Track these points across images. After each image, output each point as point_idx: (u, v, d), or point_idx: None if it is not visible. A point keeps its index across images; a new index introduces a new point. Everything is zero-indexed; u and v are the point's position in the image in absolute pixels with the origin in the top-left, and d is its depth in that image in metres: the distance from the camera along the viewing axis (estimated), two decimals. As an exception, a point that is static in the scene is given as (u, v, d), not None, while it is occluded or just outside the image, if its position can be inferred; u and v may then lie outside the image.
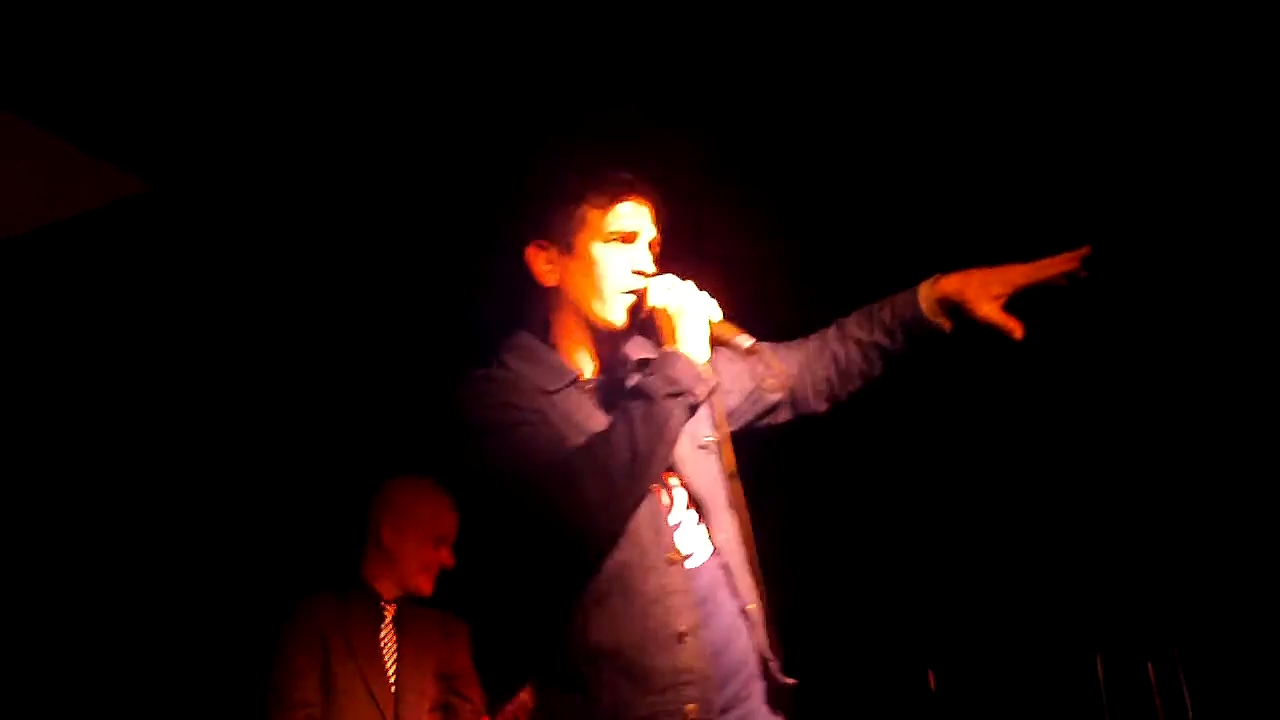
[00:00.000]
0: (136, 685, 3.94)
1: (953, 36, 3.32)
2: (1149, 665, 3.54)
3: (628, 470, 1.98)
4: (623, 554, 2.04)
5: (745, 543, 2.19)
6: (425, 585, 3.39)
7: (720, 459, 2.24)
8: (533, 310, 2.25)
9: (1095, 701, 3.60)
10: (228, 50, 3.19)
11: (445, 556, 3.40)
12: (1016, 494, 3.78)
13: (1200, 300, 3.51)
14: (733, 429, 2.27)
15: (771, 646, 2.13)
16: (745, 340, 2.13)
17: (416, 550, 3.37)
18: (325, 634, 3.24)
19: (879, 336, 2.35)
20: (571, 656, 2.04)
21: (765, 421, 2.37)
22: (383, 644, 3.35)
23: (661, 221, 2.25)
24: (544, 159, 2.50)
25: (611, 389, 2.18)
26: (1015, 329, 2.28)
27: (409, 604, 3.41)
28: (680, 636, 2.01)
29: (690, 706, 1.99)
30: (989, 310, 2.29)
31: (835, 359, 2.36)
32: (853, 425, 2.56)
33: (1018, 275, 2.30)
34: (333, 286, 3.97)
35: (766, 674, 2.11)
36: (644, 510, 2.06)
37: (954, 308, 2.31)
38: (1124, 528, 3.63)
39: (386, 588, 3.38)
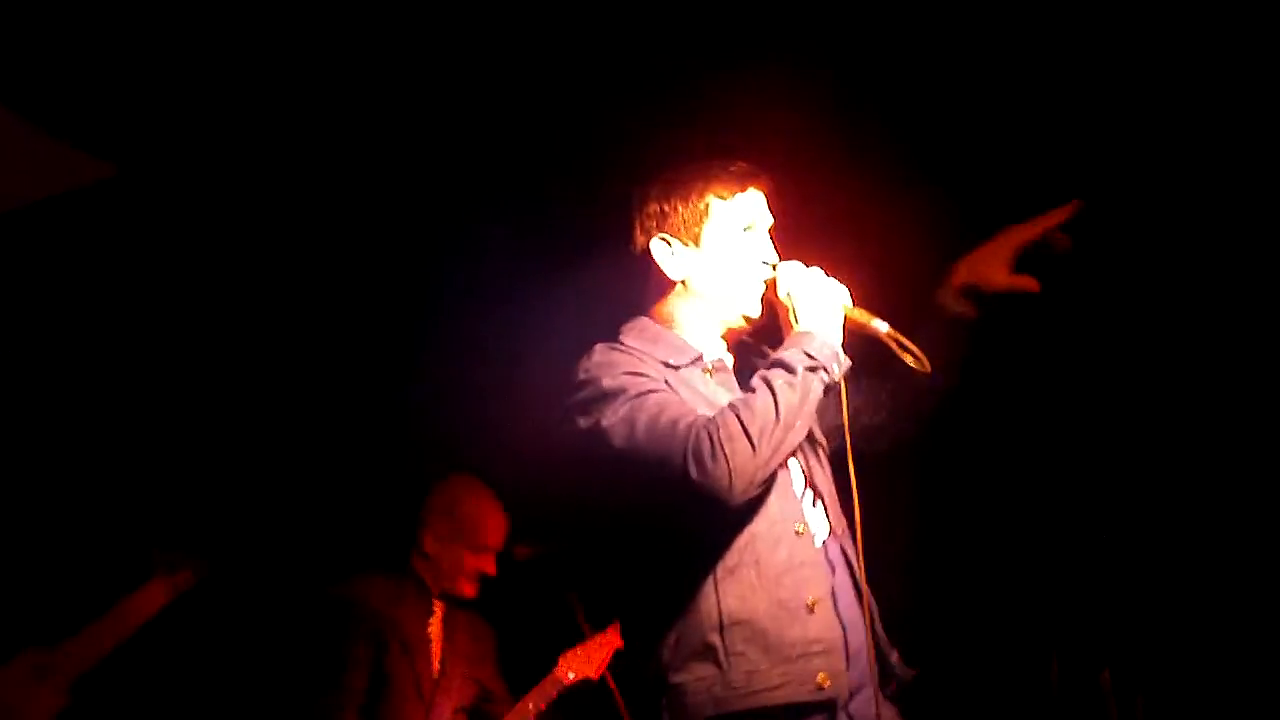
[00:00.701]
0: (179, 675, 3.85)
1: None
2: (1104, 671, 3.52)
3: (771, 436, 1.98)
4: (753, 524, 2.06)
5: (849, 534, 2.23)
6: (468, 590, 3.43)
7: (823, 454, 2.29)
8: (653, 302, 2.27)
9: (1049, 707, 3.59)
10: (194, 32, 3.20)
11: (488, 565, 3.42)
12: (972, 498, 3.77)
13: (1161, 314, 3.51)
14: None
15: (884, 636, 2.19)
16: (882, 325, 2.16)
17: (459, 559, 3.39)
18: (381, 628, 3.28)
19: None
20: (703, 627, 2.04)
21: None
22: (430, 640, 3.37)
23: (777, 207, 2.29)
24: (661, 154, 2.48)
25: (736, 372, 2.23)
26: (1031, 285, 2.30)
27: (451, 603, 3.43)
28: (811, 607, 2.04)
29: (822, 676, 2.01)
30: (1002, 278, 2.30)
31: (889, 390, 2.36)
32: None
33: (1016, 236, 2.31)
34: (325, 281, 3.98)
35: (885, 665, 2.16)
36: (772, 481, 2.08)
37: (971, 291, 2.31)
38: (1080, 533, 3.62)
39: (433, 584, 3.40)
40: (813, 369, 2.04)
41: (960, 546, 3.81)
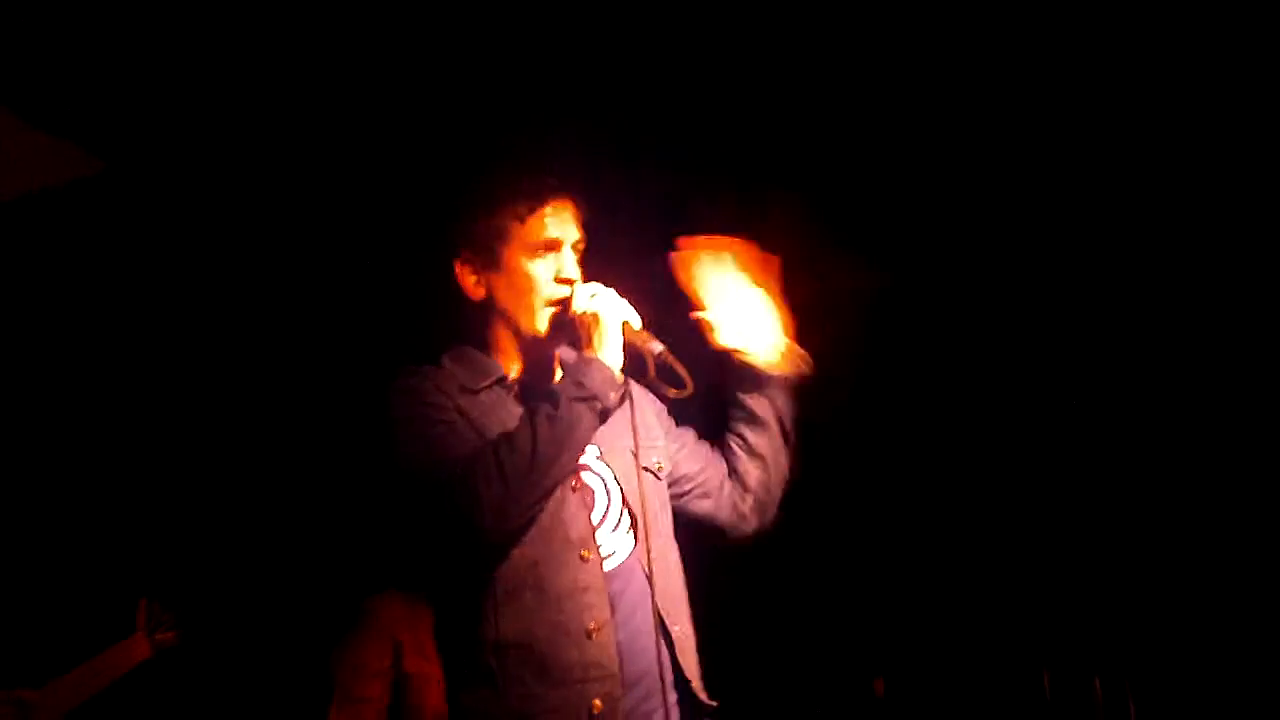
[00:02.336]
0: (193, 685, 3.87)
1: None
2: (1095, 681, 3.55)
3: (525, 472, 2.01)
4: (534, 549, 2.08)
5: (677, 569, 2.24)
6: None
7: (661, 485, 2.28)
8: (467, 321, 2.27)
9: (1042, 717, 3.61)
10: (186, 26, 3.15)
11: None
12: (964, 508, 3.79)
13: (1140, 326, 3.55)
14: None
15: (695, 669, 2.17)
16: (656, 346, 2.17)
17: None
18: (397, 635, 3.27)
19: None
20: (483, 649, 2.07)
21: (689, 500, 2.37)
22: None
23: (585, 220, 2.26)
24: (466, 172, 2.48)
25: (536, 391, 2.20)
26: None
27: None
28: (590, 632, 2.05)
29: (596, 701, 2.03)
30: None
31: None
32: (806, 438, 2.55)
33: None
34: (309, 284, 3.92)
35: (687, 695, 2.15)
36: (560, 506, 2.11)
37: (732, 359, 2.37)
38: (1072, 543, 3.65)
39: None
40: (582, 398, 2.06)
41: (952, 558, 3.82)
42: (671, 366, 2.19)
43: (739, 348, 2.34)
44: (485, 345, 2.25)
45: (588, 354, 2.12)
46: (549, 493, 2.06)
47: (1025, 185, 3.52)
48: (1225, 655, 3.39)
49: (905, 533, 3.88)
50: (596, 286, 2.19)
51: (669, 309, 2.33)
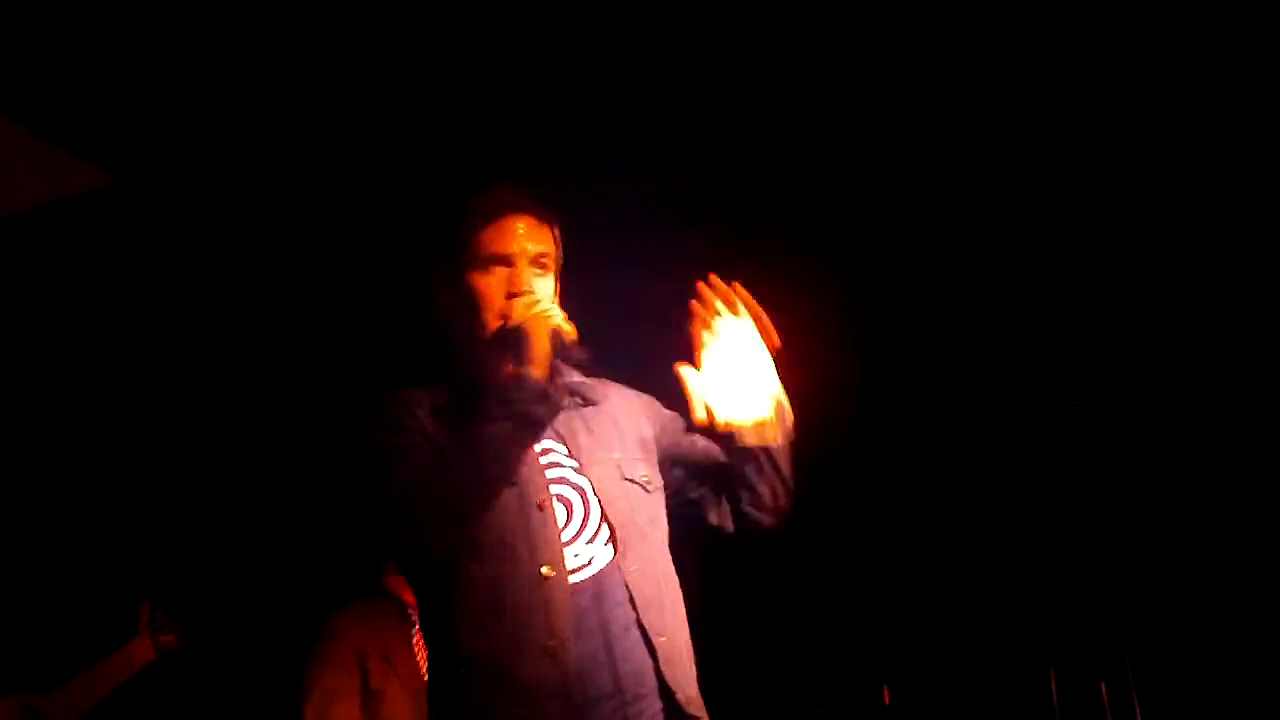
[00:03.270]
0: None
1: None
2: (1101, 683, 3.55)
3: (449, 497, 2.01)
4: (495, 567, 2.06)
5: (667, 580, 2.19)
6: None
7: (651, 498, 2.24)
8: (447, 340, 2.27)
9: (1049, 718, 3.61)
10: (193, 40, 3.16)
11: None
12: (970, 510, 3.79)
13: (1148, 320, 3.55)
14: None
15: (683, 681, 2.12)
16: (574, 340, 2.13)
17: None
18: (362, 651, 3.25)
19: None
20: (450, 666, 2.07)
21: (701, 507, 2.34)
22: (418, 652, 3.34)
23: (544, 233, 2.23)
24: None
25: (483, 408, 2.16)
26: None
27: None
28: (548, 650, 2.02)
29: None
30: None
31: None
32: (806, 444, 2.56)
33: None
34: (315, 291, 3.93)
35: (673, 708, 2.10)
36: (523, 523, 2.08)
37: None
38: (1077, 544, 3.65)
39: (411, 596, 3.37)
40: (508, 416, 2.05)
41: (958, 558, 3.82)
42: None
43: (714, 420, 2.26)
44: (452, 361, 2.25)
45: (516, 370, 2.09)
46: (482, 507, 2.05)
47: (1025, 186, 3.54)
48: (1231, 655, 3.40)
49: (910, 535, 3.89)
50: (536, 297, 2.16)
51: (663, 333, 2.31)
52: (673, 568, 2.22)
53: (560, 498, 2.15)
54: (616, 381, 2.35)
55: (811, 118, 3.50)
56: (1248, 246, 3.40)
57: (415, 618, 3.40)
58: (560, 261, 2.26)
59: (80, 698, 3.07)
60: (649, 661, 2.08)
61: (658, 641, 2.10)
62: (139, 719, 3.45)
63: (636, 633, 2.09)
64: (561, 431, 2.21)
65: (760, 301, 2.25)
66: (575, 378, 2.27)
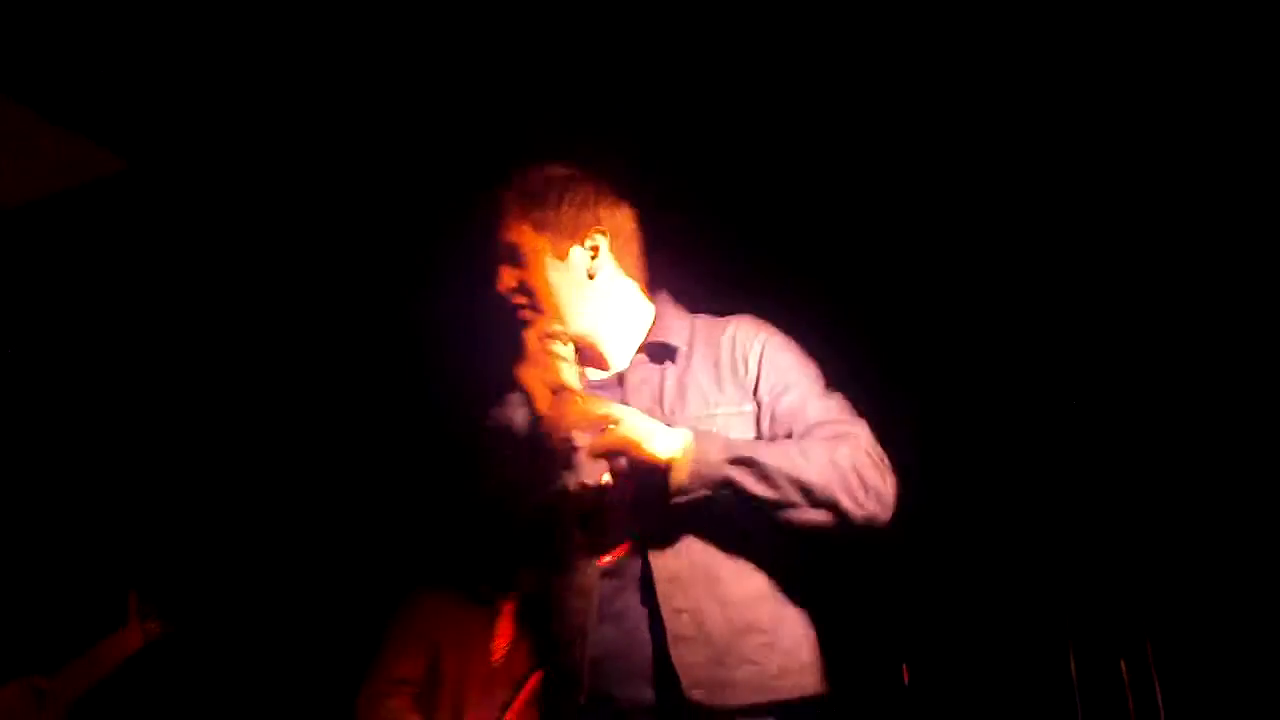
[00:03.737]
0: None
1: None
2: (1121, 661, 3.53)
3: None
4: (550, 560, 2.16)
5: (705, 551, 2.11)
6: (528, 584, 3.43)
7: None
8: None
9: (1068, 697, 3.59)
10: (207, 23, 3.17)
11: None
12: (989, 489, 3.77)
13: (1167, 304, 3.52)
14: None
15: (691, 664, 2.03)
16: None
17: None
18: (435, 632, 3.38)
19: None
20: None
21: None
22: (499, 635, 3.42)
23: (519, 225, 2.24)
24: None
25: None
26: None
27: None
28: (569, 643, 2.08)
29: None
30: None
31: None
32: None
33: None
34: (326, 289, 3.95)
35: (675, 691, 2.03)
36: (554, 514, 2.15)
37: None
38: (1096, 523, 3.63)
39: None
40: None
41: (977, 538, 3.80)
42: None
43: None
44: None
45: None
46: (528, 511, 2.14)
47: (1025, 186, 3.52)
48: (1250, 635, 3.37)
49: (928, 514, 3.87)
50: (549, 336, 2.17)
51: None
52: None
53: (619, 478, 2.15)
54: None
55: (807, 121, 3.50)
56: (1248, 246, 3.37)
57: (496, 598, 3.46)
58: (540, 253, 2.23)
59: (80, 680, 3.23)
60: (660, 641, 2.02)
61: (680, 617, 2.03)
62: (135, 706, 3.62)
63: (645, 613, 2.05)
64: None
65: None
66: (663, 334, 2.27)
